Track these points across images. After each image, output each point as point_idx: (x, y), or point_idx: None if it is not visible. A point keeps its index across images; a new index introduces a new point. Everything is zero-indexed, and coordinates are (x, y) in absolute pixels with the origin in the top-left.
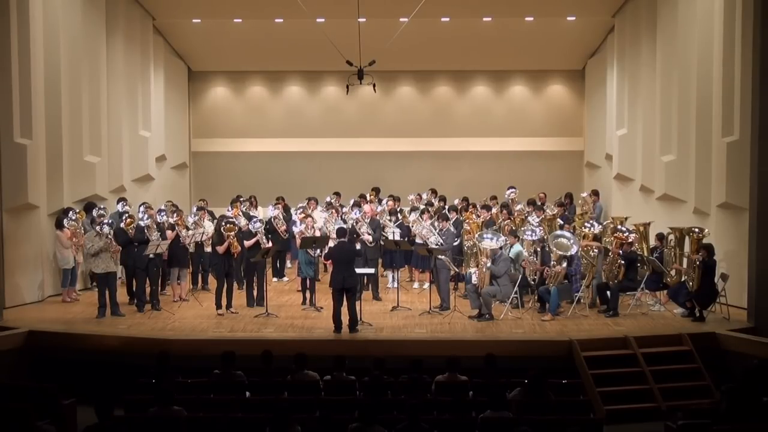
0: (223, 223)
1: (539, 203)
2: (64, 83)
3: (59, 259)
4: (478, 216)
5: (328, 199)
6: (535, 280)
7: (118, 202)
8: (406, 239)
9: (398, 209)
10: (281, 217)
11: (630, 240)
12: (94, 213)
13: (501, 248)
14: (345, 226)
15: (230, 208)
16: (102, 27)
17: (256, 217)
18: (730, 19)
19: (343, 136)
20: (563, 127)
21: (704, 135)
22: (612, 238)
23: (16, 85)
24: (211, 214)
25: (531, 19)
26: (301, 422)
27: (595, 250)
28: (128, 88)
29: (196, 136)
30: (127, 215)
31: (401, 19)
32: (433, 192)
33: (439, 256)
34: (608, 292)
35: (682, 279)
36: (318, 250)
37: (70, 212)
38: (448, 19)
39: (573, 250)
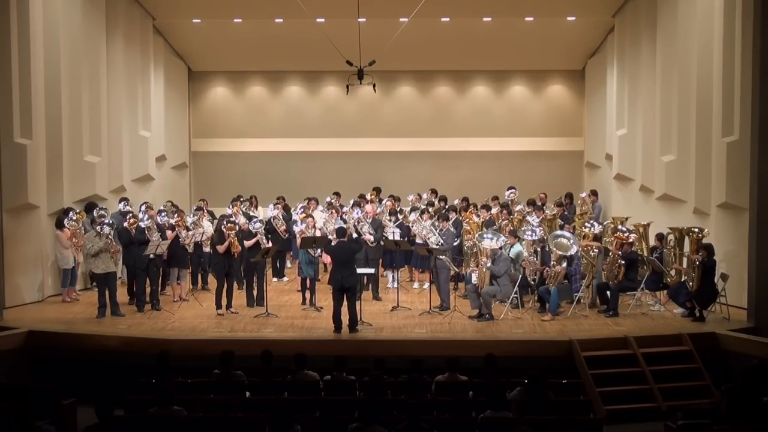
0: (224, 222)
1: (539, 203)
2: (64, 83)
3: (59, 259)
4: (478, 216)
5: (328, 199)
6: (535, 280)
7: (119, 202)
8: (406, 239)
9: (398, 209)
10: (281, 217)
11: (630, 240)
12: (95, 213)
13: (501, 248)
14: (345, 225)
15: (230, 207)
16: (102, 27)
17: (256, 217)
18: (730, 19)
19: (343, 136)
20: (563, 127)
21: (704, 135)
22: (612, 238)
23: (16, 85)
24: (211, 214)
25: (531, 19)
26: (301, 422)
27: (595, 250)
28: (128, 88)
29: (196, 136)
30: (131, 215)
31: (401, 19)
32: (433, 192)
33: (439, 256)
34: (608, 292)
35: (682, 279)
36: (318, 250)
37: (71, 212)
38: (448, 19)
39: (573, 250)
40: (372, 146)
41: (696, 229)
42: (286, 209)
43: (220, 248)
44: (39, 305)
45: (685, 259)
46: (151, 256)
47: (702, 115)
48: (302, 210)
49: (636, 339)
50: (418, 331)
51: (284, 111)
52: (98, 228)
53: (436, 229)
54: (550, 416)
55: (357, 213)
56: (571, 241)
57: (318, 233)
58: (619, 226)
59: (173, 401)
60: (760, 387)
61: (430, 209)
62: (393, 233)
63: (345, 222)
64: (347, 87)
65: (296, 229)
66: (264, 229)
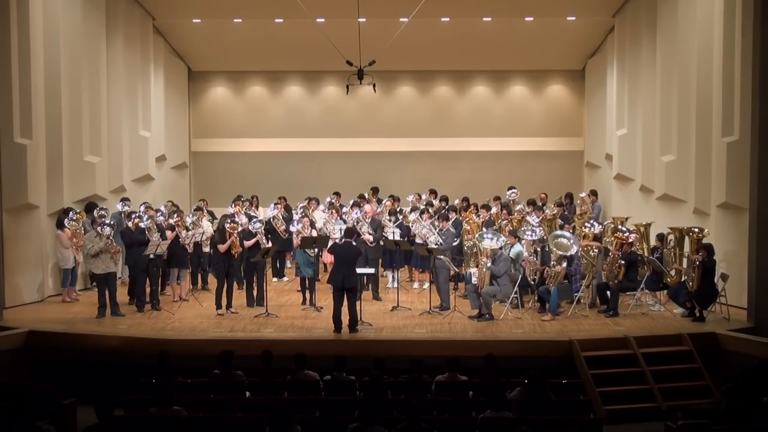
0: (227, 221)
1: (540, 203)
2: (64, 83)
3: (59, 258)
4: (478, 216)
5: (328, 199)
6: (535, 280)
7: (119, 203)
8: (406, 239)
9: (398, 209)
10: (281, 217)
11: (630, 240)
12: (95, 213)
13: (501, 248)
14: (352, 225)
15: (232, 206)
16: (102, 27)
17: (256, 217)
18: (730, 19)
19: (343, 136)
20: (563, 127)
21: (704, 135)
22: (612, 238)
23: (16, 85)
24: (211, 214)
25: (531, 19)
26: (301, 422)
27: (595, 250)
28: (128, 88)
29: (196, 136)
30: (135, 215)
31: (401, 19)
32: (432, 192)
33: (439, 256)
34: (608, 292)
35: (682, 279)
36: (317, 250)
37: (71, 212)
38: (448, 19)
39: (573, 250)
40: (372, 146)
41: (696, 229)
42: (288, 209)
43: (222, 247)
44: (39, 305)
45: (685, 259)
46: (152, 256)
47: (702, 115)
48: (302, 210)
49: (636, 339)
50: (418, 331)
51: (284, 111)
52: (99, 228)
53: (435, 229)
54: (550, 416)
55: (357, 213)
56: (571, 241)
57: (315, 233)
58: (619, 226)
59: (173, 401)
60: (760, 387)
61: (430, 209)
62: (393, 233)
63: (345, 222)
64: (347, 87)
65: (293, 229)
66: (264, 229)
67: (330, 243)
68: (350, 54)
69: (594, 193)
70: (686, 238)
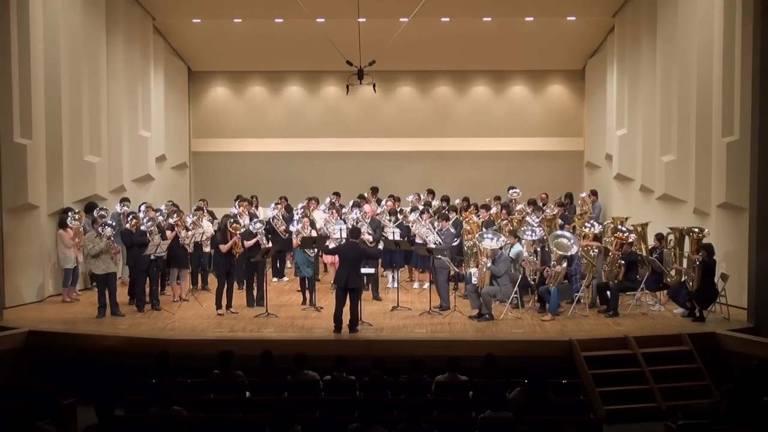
0: (230, 221)
1: (540, 203)
2: (64, 83)
3: (61, 258)
4: (478, 216)
5: (328, 199)
6: (535, 280)
7: (119, 203)
8: (406, 239)
9: (398, 209)
10: (281, 217)
11: (630, 240)
12: (95, 213)
13: (501, 248)
14: (358, 226)
15: (236, 206)
16: (102, 27)
17: (256, 216)
18: (730, 19)
19: (343, 136)
20: (563, 127)
21: (704, 135)
22: (612, 238)
23: (16, 85)
24: (211, 214)
25: (531, 19)
26: (301, 422)
27: (595, 250)
28: (128, 88)
29: (196, 136)
30: (132, 216)
31: (401, 19)
32: (430, 192)
33: (438, 256)
34: (608, 292)
35: (682, 279)
36: (317, 250)
37: (71, 212)
38: (448, 19)
39: (573, 250)
40: (372, 146)
41: (696, 229)
42: (288, 209)
43: (224, 247)
44: (39, 305)
45: (685, 259)
46: (152, 257)
47: (702, 115)
48: (302, 210)
49: (636, 339)
50: (418, 331)
51: (284, 111)
52: (99, 229)
53: (434, 229)
54: (550, 416)
55: (356, 213)
56: (572, 241)
57: (314, 233)
58: (619, 226)
59: (173, 401)
60: (760, 387)
61: (430, 209)
62: (393, 233)
63: (344, 222)
64: (347, 87)
65: (293, 228)
66: (264, 229)
67: (329, 243)
68: (350, 54)
69: (594, 193)
70: (686, 238)
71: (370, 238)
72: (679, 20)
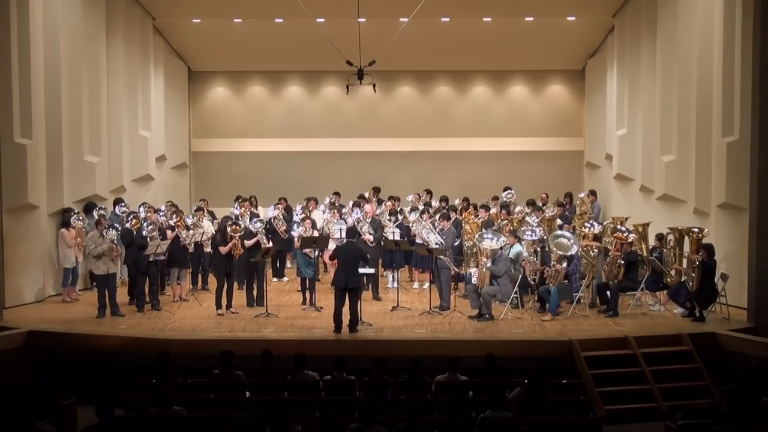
0: (230, 223)
1: (541, 203)
2: (64, 83)
3: (61, 257)
4: (478, 216)
5: (328, 199)
6: (535, 280)
7: (115, 204)
8: (406, 239)
9: (398, 209)
10: (281, 217)
11: (630, 240)
12: (95, 213)
13: (501, 248)
14: (359, 226)
15: (237, 207)
16: (102, 27)
17: (257, 216)
18: (730, 19)
19: (343, 136)
20: (563, 127)
21: (704, 135)
22: (612, 238)
23: (16, 85)
24: (211, 214)
25: (531, 19)
26: (301, 422)
27: (595, 250)
28: (128, 88)
29: (196, 136)
30: (132, 216)
31: (401, 19)
32: (428, 192)
33: (440, 257)
34: (608, 292)
35: (682, 279)
36: (317, 251)
37: (74, 212)
38: (448, 19)
39: (573, 250)
40: (372, 146)
41: (696, 229)
42: (288, 210)
43: (223, 249)
44: (39, 305)
45: (685, 259)
46: (152, 257)
47: (702, 115)
48: (302, 211)
49: (636, 339)
50: (418, 331)
51: (284, 111)
52: (104, 231)
53: (435, 229)
54: (550, 416)
55: (356, 213)
56: (572, 241)
57: (316, 233)
58: (619, 226)
59: (173, 401)
60: (760, 387)
61: (430, 209)
62: (393, 233)
63: (345, 222)
64: (347, 87)
65: (294, 233)
66: (264, 229)
67: (330, 243)
68: (350, 54)
69: (593, 193)
70: (686, 238)
71: (371, 238)
72: (679, 20)
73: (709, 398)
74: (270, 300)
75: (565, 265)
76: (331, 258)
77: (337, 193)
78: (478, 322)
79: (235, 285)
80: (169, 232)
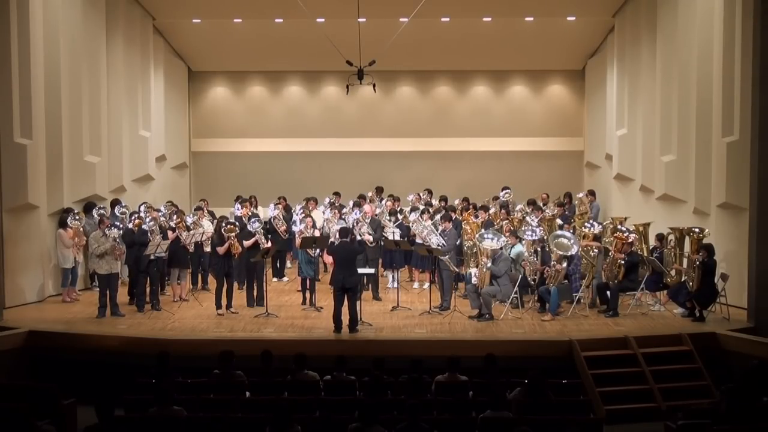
0: (224, 224)
1: (541, 203)
2: (64, 83)
3: (60, 258)
4: (477, 216)
5: (328, 199)
6: (535, 280)
7: (113, 206)
8: (406, 239)
9: (398, 209)
10: (281, 217)
11: (630, 240)
12: (94, 213)
13: (501, 248)
14: (357, 226)
15: (239, 207)
16: (102, 27)
17: (256, 216)
18: (730, 19)
19: (343, 136)
20: (563, 127)
21: (704, 135)
22: (612, 239)
23: (16, 85)
24: (212, 214)
25: (531, 19)
26: (301, 422)
27: (595, 250)
28: (128, 88)
29: (196, 136)
30: (137, 216)
31: (401, 19)
32: (428, 192)
33: (441, 257)
34: (608, 292)
35: (682, 279)
36: (318, 250)
37: (71, 212)
38: (448, 19)
39: (573, 250)
40: (372, 146)
41: (696, 229)
42: (287, 209)
43: (220, 250)
44: (39, 305)
45: (685, 259)
46: (153, 256)
47: (702, 115)
48: (302, 210)
49: (636, 339)
50: (418, 331)
51: (284, 111)
52: (106, 230)
53: (437, 230)
54: (550, 416)
55: (356, 213)
56: (572, 241)
57: (317, 233)
58: (619, 226)
59: (173, 401)
60: (760, 387)
61: (430, 209)
62: (393, 233)
63: (345, 222)
64: (347, 87)
65: (295, 229)
66: (264, 229)
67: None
68: (350, 54)
69: (591, 193)
70: (686, 238)
71: (371, 238)
72: (679, 20)
73: (709, 398)
74: (270, 300)
75: (565, 265)
76: (328, 252)
77: (337, 193)
78: (478, 322)
79: (235, 285)
80: (169, 232)
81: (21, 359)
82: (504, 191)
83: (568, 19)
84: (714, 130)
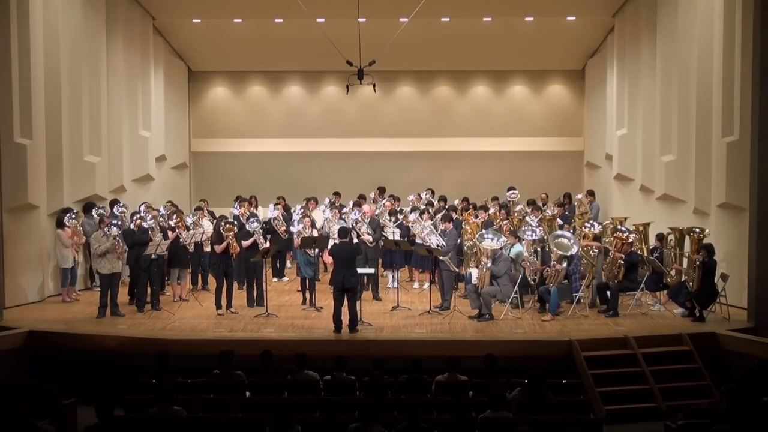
0: (222, 224)
1: (540, 204)
2: (64, 83)
3: (59, 258)
4: (477, 216)
5: (328, 199)
6: (535, 280)
7: (112, 205)
8: (405, 239)
9: (398, 209)
10: (281, 217)
11: (630, 240)
12: (94, 213)
13: (501, 248)
14: (357, 226)
15: (238, 207)
16: (102, 27)
17: (256, 216)
18: (730, 19)
19: (343, 136)
20: (563, 127)
21: (704, 135)
22: (612, 239)
23: (16, 85)
24: (212, 214)
25: (531, 19)
26: (301, 422)
27: (595, 250)
28: (128, 88)
29: (196, 136)
30: (138, 216)
31: (401, 19)
32: (431, 192)
33: (441, 258)
34: (608, 292)
35: (682, 279)
36: (317, 250)
37: (69, 212)
38: (448, 19)
39: (573, 250)
40: (372, 146)
41: (696, 229)
42: (287, 209)
43: (218, 248)
44: (39, 305)
45: (685, 260)
46: (153, 256)
47: (702, 115)
48: (301, 210)
49: (636, 339)
50: (418, 331)
51: (284, 111)
52: (106, 229)
53: (437, 230)
54: (550, 416)
55: (356, 214)
56: (572, 241)
57: (315, 233)
58: (619, 226)
59: (173, 401)
60: (760, 387)
61: (430, 209)
62: (393, 233)
63: (345, 222)
64: (347, 87)
65: (294, 229)
66: (264, 229)
67: (330, 243)
68: (350, 54)
69: (591, 193)
70: (686, 238)
71: (370, 238)
72: (679, 20)
73: (709, 398)
74: (270, 300)
75: (565, 265)
76: (330, 253)
77: (337, 193)
78: (478, 322)
79: (235, 285)
80: (170, 233)
81: (21, 359)
82: (510, 191)
83: (568, 19)
84: (714, 130)
